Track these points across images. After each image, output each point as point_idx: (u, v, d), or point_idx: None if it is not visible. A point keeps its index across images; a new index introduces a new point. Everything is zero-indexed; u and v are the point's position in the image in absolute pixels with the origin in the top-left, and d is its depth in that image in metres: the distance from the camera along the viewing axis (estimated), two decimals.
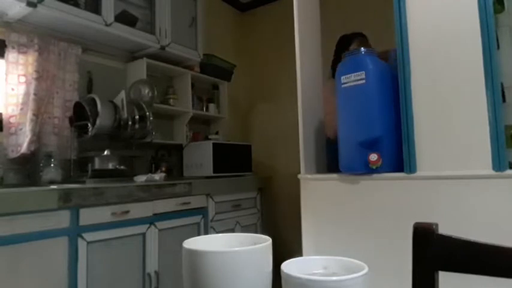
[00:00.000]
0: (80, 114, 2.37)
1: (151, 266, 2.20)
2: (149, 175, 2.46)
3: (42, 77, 2.27)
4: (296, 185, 1.59)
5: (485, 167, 1.12)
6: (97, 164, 2.35)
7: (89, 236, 1.88)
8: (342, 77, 1.38)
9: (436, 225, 0.61)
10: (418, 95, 1.26)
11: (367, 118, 1.32)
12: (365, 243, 1.32)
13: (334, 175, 1.45)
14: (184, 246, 0.43)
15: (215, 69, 3.43)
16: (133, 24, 2.71)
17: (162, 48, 2.88)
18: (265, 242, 0.44)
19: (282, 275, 0.41)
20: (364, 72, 1.32)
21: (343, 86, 1.38)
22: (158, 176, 2.47)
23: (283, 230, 3.63)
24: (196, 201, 2.56)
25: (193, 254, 0.42)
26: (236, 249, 0.43)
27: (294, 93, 1.64)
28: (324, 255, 0.45)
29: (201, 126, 3.54)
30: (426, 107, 1.24)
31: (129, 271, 2.09)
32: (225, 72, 3.55)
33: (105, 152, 2.38)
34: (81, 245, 1.84)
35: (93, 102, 2.38)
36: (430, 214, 1.18)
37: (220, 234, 0.51)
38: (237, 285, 0.41)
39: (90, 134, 2.35)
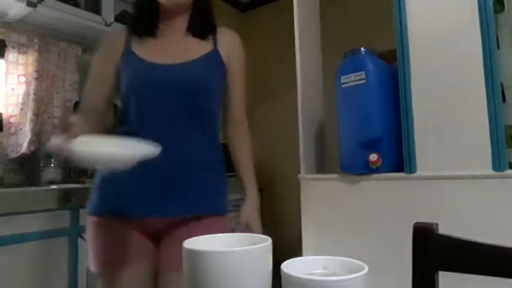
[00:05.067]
0: None
1: None
2: None
3: (42, 77, 2.27)
4: (296, 185, 1.58)
5: (485, 167, 1.12)
6: None
7: None
8: (342, 77, 1.38)
9: (436, 225, 0.61)
10: (418, 95, 1.26)
11: (367, 118, 1.32)
12: (365, 243, 1.32)
13: (334, 175, 1.45)
14: (184, 246, 0.43)
15: None
16: None
17: None
18: (265, 242, 0.44)
19: (282, 275, 0.41)
20: (364, 72, 1.32)
21: (343, 86, 1.38)
22: None
23: (283, 230, 3.63)
24: None
25: (193, 254, 0.42)
26: (236, 249, 0.42)
27: (294, 93, 1.64)
28: (324, 255, 0.45)
29: None
30: (426, 107, 1.24)
31: None
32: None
33: None
34: (81, 245, 1.84)
35: None
36: (430, 214, 1.18)
37: (220, 234, 0.51)
38: (236, 285, 0.41)
39: None
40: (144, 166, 0.78)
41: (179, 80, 0.96)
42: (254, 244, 0.43)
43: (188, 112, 0.96)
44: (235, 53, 1.10)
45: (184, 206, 0.94)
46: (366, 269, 0.39)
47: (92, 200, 1.02)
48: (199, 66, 0.99)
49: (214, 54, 1.03)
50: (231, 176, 1.07)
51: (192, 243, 0.45)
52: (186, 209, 0.94)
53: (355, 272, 0.39)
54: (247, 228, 1.03)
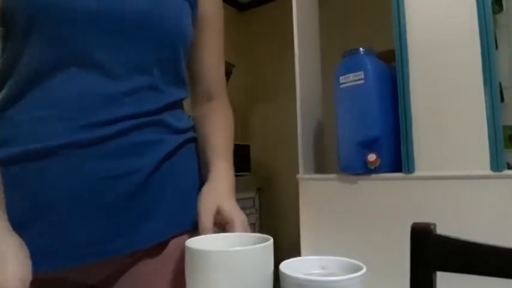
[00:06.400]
0: None
1: None
2: None
3: None
4: (295, 185, 1.59)
5: (483, 167, 1.12)
6: None
7: None
8: (341, 77, 1.39)
9: (434, 225, 0.61)
10: (416, 95, 1.26)
11: (365, 118, 1.32)
12: (363, 243, 1.32)
13: (333, 175, 1.45)
14: (187, 246, 0.43)
15: None
16: None
17: None
18: (267, 241, 0.44)
19: (281, 275, 0.41)
20: (362, 72, 1.32)
21: (341, 86, 1.38)
22: None
23: (282, 230, 3.63)
24: None
25: (197, 253, 0.42)
26: (240, 248, 0.43)
27: (293, 93, 1.64)
28: (322, 255, 0.45)
29: None
30: (425, 107, 1.24)
31: None
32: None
33: None
34: None
35: None
36: (428, 214, 1.18)
37: (221, 234, 0.51)
38: (240, 284, 0.41)
39: None
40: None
41: (147, 13, 0.56)
42: (255, 244, 0.43)
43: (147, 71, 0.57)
44: None
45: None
46: (364, 269, 0.39)
47: None
48: None
49: None
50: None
51: (194, 242, 0.45)
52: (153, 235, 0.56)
53: (354, 272, 0.39)
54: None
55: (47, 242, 0.51)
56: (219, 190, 0.60)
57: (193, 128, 0.68)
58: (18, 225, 0.49)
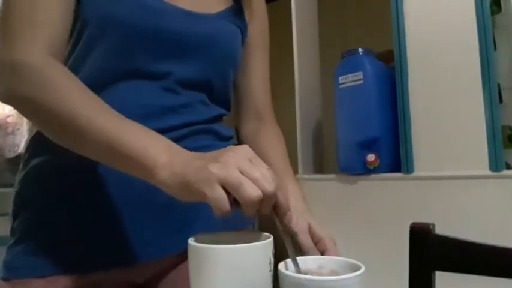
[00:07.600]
0: None
1: None
2: None
3: None
4: None
5: (482, 167, 1.12)
6: None
7: None
8: (340, 78, 1.39)
9: (433, 225, 0.62)
10: (415, 96, 1.26)
11: (365, 118, 1.32)
12: (362, 243, 1.32)
13: (332, 175, 1.45)
14: (188, 242, 0.43)
15: None
16: None
17: None
18: (269, 239, 0.44)
19: (279, 274, 0.41)
20: (361, 72, 1.32)
21: (340, 86, 1.39)
22: None
23: None
24: None
25: (195, 249, 0.42)
26: (237, 245, 0.43)
27: (292, 93, 1.64)
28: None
29: None
30: (424, 107, 1.24)
31: None
32: None
33: None
34: None
35: None
36: (427, 214, 1.18)
37: (222, 232, 0.51)
38: (238, 281, 0.41)
39: None
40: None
41: (207, 37, 0.61)
42: (256, 241, 0.43)
43: (209, 91, 0.64)
44: (261, 15, 0.78)
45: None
46: (363, 269, 0.39)
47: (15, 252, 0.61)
48: (227, 24, 0.66)
49: (238, 9, 0.70)
50: None
51: (196, 240, 0.45)
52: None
53: (352, 272, 0.39)
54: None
55: (103, 240, 0.56)
56: (301, 208, 0.64)
57: (234, 138, 0.73)
58: (76, 226, 0.56)
